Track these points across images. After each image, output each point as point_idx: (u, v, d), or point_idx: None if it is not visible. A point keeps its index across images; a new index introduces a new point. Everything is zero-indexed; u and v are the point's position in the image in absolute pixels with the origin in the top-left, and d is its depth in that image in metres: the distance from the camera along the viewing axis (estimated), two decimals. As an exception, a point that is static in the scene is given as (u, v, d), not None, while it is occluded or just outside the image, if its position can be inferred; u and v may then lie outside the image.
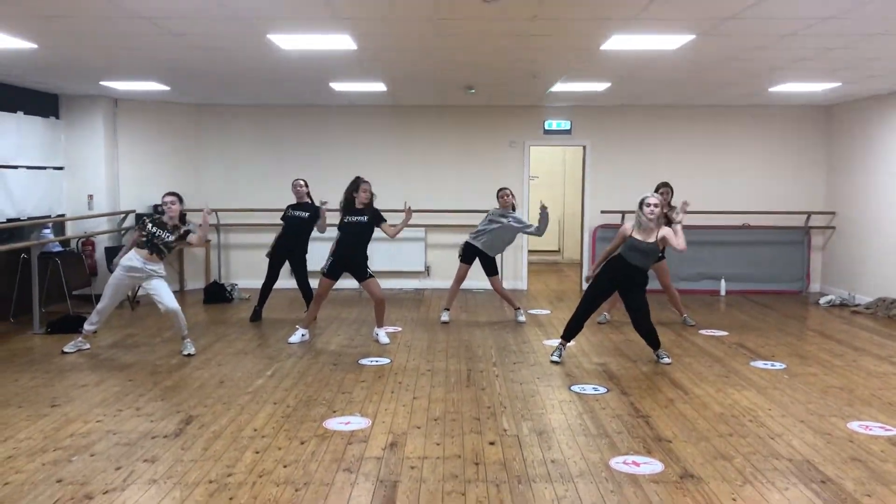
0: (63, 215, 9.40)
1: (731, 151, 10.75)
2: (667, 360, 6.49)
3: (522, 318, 8.43)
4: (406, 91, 9.13)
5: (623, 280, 6.37)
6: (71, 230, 9.45)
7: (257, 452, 4.35)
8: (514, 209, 8.27)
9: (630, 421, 4.97)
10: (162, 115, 10.32)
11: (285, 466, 4.15)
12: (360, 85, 8.58)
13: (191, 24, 5.41)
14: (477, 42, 6.00)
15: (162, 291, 6.66)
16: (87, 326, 6.85)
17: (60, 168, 9.44)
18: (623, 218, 10.10)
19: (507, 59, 6.80)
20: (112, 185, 9.84)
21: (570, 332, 6.60)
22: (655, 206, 6.13)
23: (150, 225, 6.65)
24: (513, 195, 8.27)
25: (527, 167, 10.93)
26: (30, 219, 8.65)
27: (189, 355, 6.71)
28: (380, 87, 8.65)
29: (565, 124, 10.80)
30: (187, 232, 6.76)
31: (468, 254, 8.29)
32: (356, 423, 4.90)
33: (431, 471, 4.09)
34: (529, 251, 11.29)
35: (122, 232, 9.88)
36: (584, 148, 10.89)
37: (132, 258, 6.64)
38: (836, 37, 5.70)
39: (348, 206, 7.17)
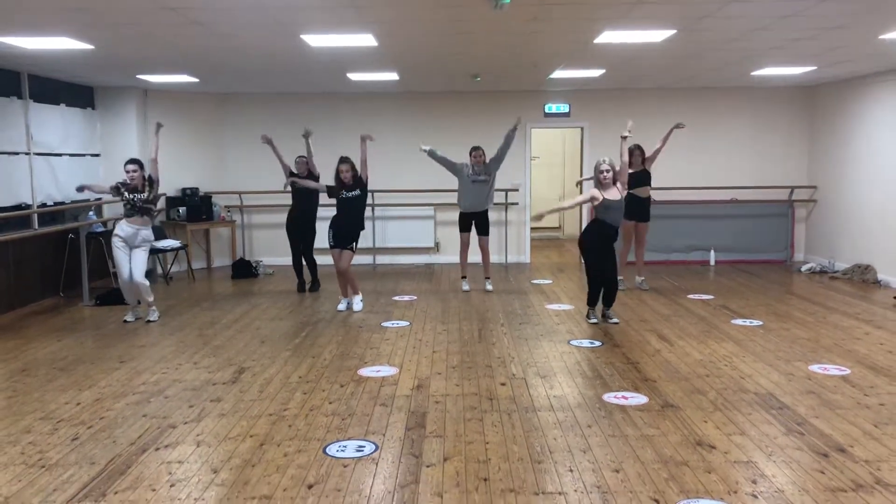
0: (100, 199, 10.15)
1: (720, 130, 11.50)
2: (615, 320, 7.27)
3: (490, 287, 9.14)
4: (417, 79, 9.86)
5: (605, 239, 7.15)
6: (108, 212, 10.22)
7: (305, 393, 5.16)
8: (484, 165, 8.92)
9: (621, 367, 5.77)
10: (188, 105, 11.07)
11: (331, 403, 4.95)
12: (374, 75, 9.31)
13: (234, 27, 6.14)
14: (485, 39, 6.74)
15: (137, 260, 7.40)
16: (128, 301, 7.65)
17: (97, 155, 10.20)
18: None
19: (510, 52, 7.54)
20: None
21: (593, 299, 7.35)
22: (607, 171, 7.00)
23: (125, 194, 7.39)
24: (484, 153, 8.92)
25: (528, 148, 11.68)
26: (73, 202, 9.42)
27: (149, 321, 7.51)
28: (393, 76, 9.38)
29: (564, 107, 11.54)
30: (150, 180, 7.49)
31: (464, 222, 9.04)
32: (386, 371, 5.70)
33: (453, 404, 4.89)
34: (532, 228, 12.05)
35: (155, 213, 10.63)
36: (582, 129, 11.64)
37: (122, 228, 7.41)
38: (800, 30, 6.44)
39: (340, 184, 7.91)
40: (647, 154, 8.97)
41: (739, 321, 7.32)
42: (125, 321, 7.55)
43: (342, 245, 7.96)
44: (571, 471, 3.83)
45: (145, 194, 7.46)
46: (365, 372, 5.67)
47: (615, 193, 7.05)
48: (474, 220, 9.01)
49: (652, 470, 3.83)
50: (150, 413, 4.80)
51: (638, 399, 4.98)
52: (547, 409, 4.78)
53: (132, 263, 7.44)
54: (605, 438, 4.28)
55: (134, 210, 7.43)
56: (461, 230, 9.10)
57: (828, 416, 4.62)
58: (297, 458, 4.02)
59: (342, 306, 8.08)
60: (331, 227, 8.01)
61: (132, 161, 7.52)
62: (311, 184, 8.63)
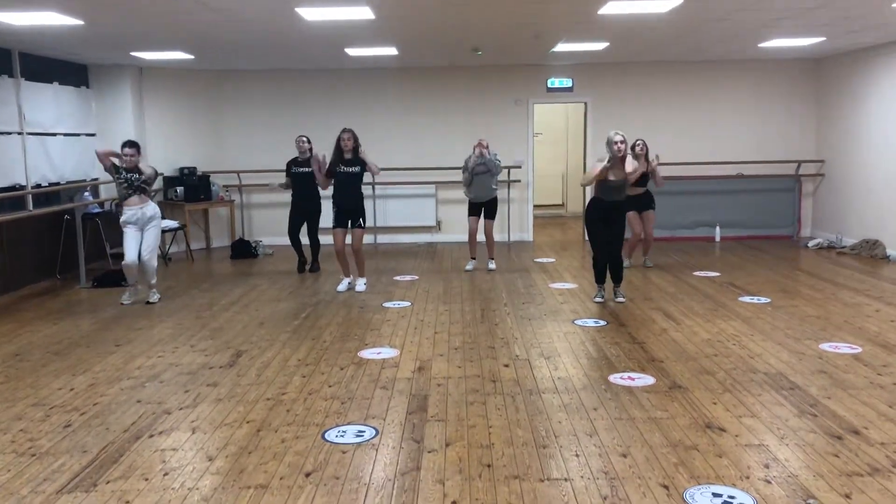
0: (97, 179, 10.01)
1: (725, 104, 11.28)
2: (622, 298, 7.13)
3: (493, 266, 9.03)
4: (416, 54, 9.66)
5: (605, 216, 7.01)
6: (105, 193, 10.07)
7: (304, 377, 5.04)
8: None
9: (627, 347, 5.64)
10: (184, 82, 10.87)
11: (330, 386, 4.83)
12: (373, 50, 9.12)
13: (227, 0, 5.97)
14: (485, 8, 6.54)
15: (148, 240, 7.32)
16: (130, 282, 7.53)
17: (92, 135, 10.03)
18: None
19: (511, 23, 7.34)
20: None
21: (600, 276, 7.21)
22: (621, 141, 6.82)
23: (122, 172, 7.24)
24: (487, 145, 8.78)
25: (531, 124, 11.48)
26: (68, 183, 9.28)
27: (150, 303, 7.39)
28: (391, 51, 9.18)
29: (567, 82, 11.32)
30: (146, 181, 7.39)
31: (472, 208, 8.93)
32: (387, 352, 5.58)
33: (455, 387, 4.77)
34: (535, 206, 11.88)
35: (153, 194, 10.47)
36: (586, 104, 11.43)
37: (128, 213, 7.29)
38: (813, -2, 6.25)
39: (339, 156, 7.68)
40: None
41: (747, 299, 7.18)
42: (122, 303, 7.43)
43: (350, 223, 7.76)
44: (577, 456, 3.71)
45: (142, 176, 7.32)
46: (365, 354, 5.55)
47: (620, 172, 6.88)
48: (484, 207, 8.89)
49: (661, 454, 3.71)
50: (145, 398, 4.68)
51: (645, 380, 4.86)
52: (552, 392, 4.66)
53: (143, 243, 7.33)
54: (612, 422, 4.15)
55: (131, 189, 7.28)
56: (469, 214, 8.99)
57: (840, 396, 4.49)
58: (295, 445, 3.90)
59: (342, 287, 7.93)
60: (334, 205, 7.81)
61: (131, 144, 7.36)
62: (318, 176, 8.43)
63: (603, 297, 7.19)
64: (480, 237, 9.03)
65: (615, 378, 4.90)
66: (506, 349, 5.62)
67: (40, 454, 3.86)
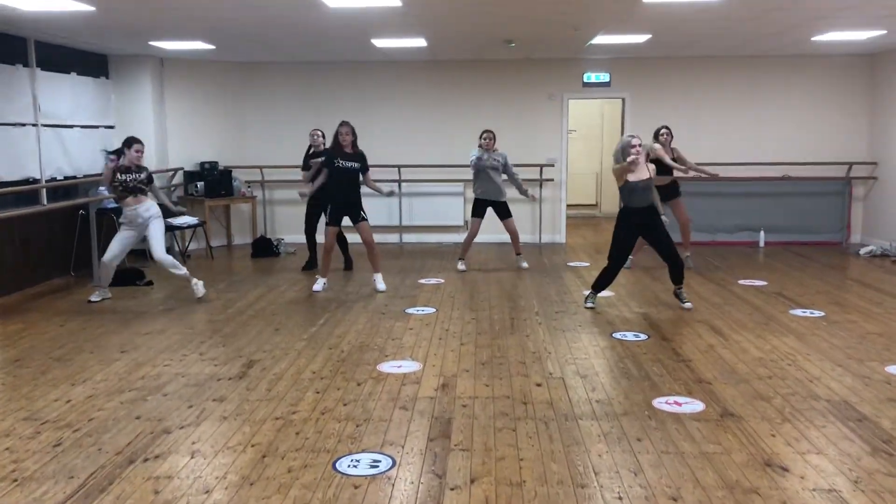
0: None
1: (771, 102, 10.68)
2: (688, 304, 6.69)
3: (525, 265, 8.74)
4: (446, 46, 9.22)
5: (640, 224, 6.56)
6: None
7: (318, 392, 4.63)
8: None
9: (671, 365, 5.15)
10: (207, 74, 10.53)
11: (345, 405, 4.41)
12: (401, 41, 8.69)
13: (242, -16, 5.59)
14: (520, -4, 6.09)
15: (154, 238, 7.03)
16: (101, 281, 7.24)
17: (111, 127, 9.73)
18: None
19: (549, 12, 6.86)
20: (160, 143, 10.11)
21: (602, 285, 6.80)
22: (639, 144, 6.40)
23: (117, 175, 6.91)
24: (494, 137, 8.47)
25: (565, 120, 10.99)
26: (85, 177, 8.97)
27: (199, 299, 7.20)
28: (420, 42, 8.75)
29: (604, 76, 10.80)
30: (150, 176, 7.14)
31: (477, 208, 8.54)
32: (408, 366, 5.15)
33: (482, 409, 4.33)
34: (568, 205, 11.38)
35: (172, 188, 10.18)
36: (623, 100, 10.90)
37: (125, 213, 7.01)
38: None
39: (337, 150, 7.26)
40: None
41: (798, 311, 6.64)
42: (90, 301, 7.18)
43: (352, 219, 7.42)
44: (621, 499, 3.25)
45: (142, 175, 7.04)
46: (385, 367, 5.12)
47: (643, 172, 6.48)
48: (491, 208, 8.52)
49: (716, 498, 3.24)
50: (145, 414, 4.30)
51: (693, 406, 4.38)
52: (589, 418, 4.20)
53: (151, 242, 7.04)
54: (658, 456, 3.68)
55: (127, 191, 6.96)
56: (473, 214, 8.62)
57: (918, 431, 3.98)
58: (303, 476, 3.49)
59: (319, 287, 7.56)
60: (330, 201, 7.42)
61: (139, 140, 7.08)
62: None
63: (594, 303, 6.83)
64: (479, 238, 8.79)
65: (660, 402, 4.43)
66: (538, 365, 5.16)
67: (23, 479, 3.49)
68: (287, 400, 4.51)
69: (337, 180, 7.33)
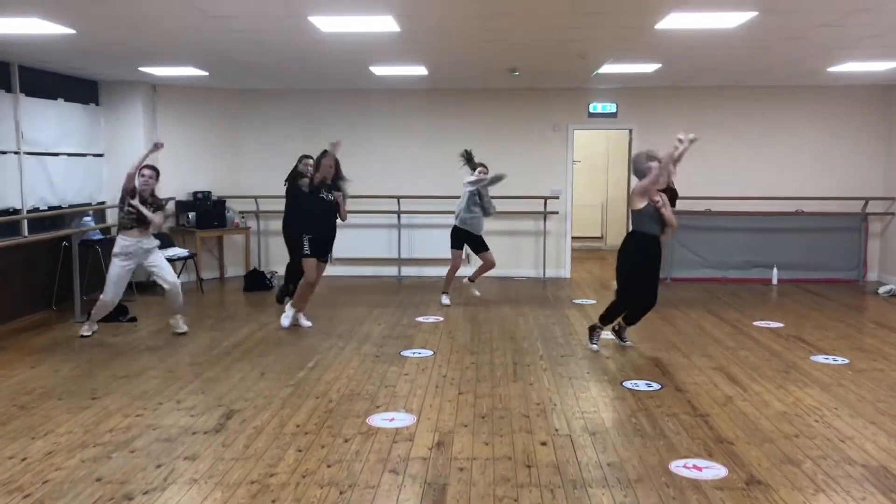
0: (103, 203, 9.36)
1: (784, 134, 10.33)
2: (628, 342, 6.48)
3: (477, 293, 8.64)
4: (447, 75, 8.89)
5: (653, 252, 6.16)
6: (111, 218, 9.39)
7: (300, 451, 4.20)
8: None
9: (688, 420, 4.72)
10: (201, 101, 10.22)
11: (329, 466, 3.99)
12: (400, 69, 8.37)
13: (231, 7, 5.24)
14: (525, 21, 5.74)
15: (163, 266, 6.85)
16: (93, 317, 6.91)
17: (100, 155, 9.40)
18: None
19: (555, 39, 6.53)
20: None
21: (610, 317, 6.41)
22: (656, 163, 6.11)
23: (129, 200, 6.57)
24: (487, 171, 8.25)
25: (570, 151, 10.64)
26: (71, 206, 8.62)
27: (181, 334, 6.91)
28: (421, 70, 8.42)
29: (611, 107, 10.47)
30: (160, 206, 6.80)
31: (458, 239, 8.36)
32: (401, 419, 4.73)
33: (481, 473, 3.90)
34: (573, 238, 11.00)
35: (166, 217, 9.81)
36: (631, 131, 10.56)
37: (123, 244, 6.62)
38: (911, 12, 5.34)
39: (322, 182, 6.94)
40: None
41: (821, 358, 6.21)
42: (81, 335, 6.85)
43: (325, 256, 7.17)
44: (639, 592, 2.81)
45: (152, 209, 6.68)
46: (375, 421, 4.70)
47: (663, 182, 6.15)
48: (471, 243, 8.39)
49: (748, 591, 2.81)
50: (107, 475, 3.87)
51: (714, 470, 3.94)
52: (600, 485, 3.76)
53: (160, 271, 6.81)
54: (680, 534, 3.25)
55: (135, 221, 6.59)
56: (454, 246, 8.42)
57: (969, 505, 3.54)
58: (275, 557, 3.06)
59: (287, 321, 7.29)
60: (310, 233, 7.05)
61: (150, 167, 6.74)
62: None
63: (598, 345, 6.45)
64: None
65: (678, 466, 3.99)
66: (543, 419, 4.73)
67: (-43, 557, 3.07)
68: (266, 459, 4.08)
69: (322, 213, 7.04)
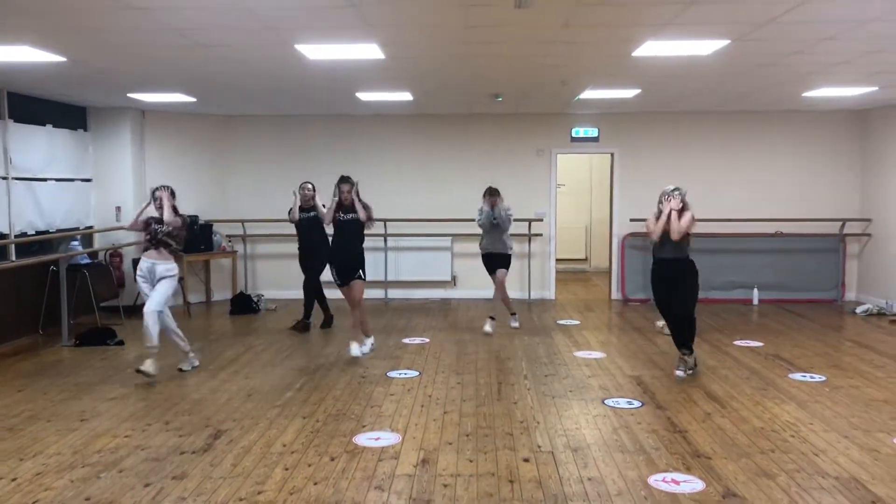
0: (91, 227, 9.42)
1: (762, 158, 10.55)
2: (685, 372, 6.31)
3: (516, 324, 8.49)
4: (432, 100, 9.06)
5: (668, 277, 6.26)
6: (99, 242, 9.46)
7: (287, 469, 4.27)
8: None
9: (667, 436, 4.83)
10: (189, 127, 10.34)
11: (315, 484, 4.06)
12: (386, 95, 8.53)
13: (219, 36, 5.38)
14: (507, 49, 5.91)
15: (153, 293, 6.33)
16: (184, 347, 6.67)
17: (88, 180, 9.48)
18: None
19: (536, 67, 6.70)
20: (140, 197, 9.80)
21: (684, 340, 6.38)
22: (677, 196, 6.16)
23: (151, 225, 6.45)
24: (498, 196, 8.15)
25: (554, 175, 10.81)
26: (59, 231, 8.68)
27: (149, 375, 6.22)
28: (406, 96, 8.59)
29: (593, 131, 10.67)
30: (175, 233, 6.59)
31: (488, 263, 8.28)
32: (386, 438, 4.80)
33: (465, 489, 3.99)
34: (557, 260, 11.14)
35: (177, 249, 9.85)
36: (612, 155, 10.75)
37: (140, 265, 6.43)
38: (879, 39, 5.54)
39: (339, 203, 6.92)
40: None
41: (798, 376, 6.34)
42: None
43: (350, 277, 6.98)
44: None
45: (164, 228, 6.44)
46: (361, 440, 4.77)
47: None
48: (495, 259, 8.21)
49: None
50: (95, 495, 3.93)
51: (692, 484, 4.05)
52: (581, 499, 3.86)
53: (150, 294, 6.33)
54: (657, 546, 3.35)
55: (151, 242, 6.45)
56: (488, 270, 8.34)
57: (937, 515, 3.66)
58: (262, 571, 3.13)
59: (366, 349, 7.16)
60: (331, 261, 7.11)
61: (163, 186, 6.56)
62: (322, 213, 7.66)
63: (686, 367, 6.31)
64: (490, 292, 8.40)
65: (656, 480, 4.09)
66: (526, 437, 4.82)
67: (-52, 575, 3.12)
68: (253, 477, 4.15)
69: (340, 234, 6.99)
